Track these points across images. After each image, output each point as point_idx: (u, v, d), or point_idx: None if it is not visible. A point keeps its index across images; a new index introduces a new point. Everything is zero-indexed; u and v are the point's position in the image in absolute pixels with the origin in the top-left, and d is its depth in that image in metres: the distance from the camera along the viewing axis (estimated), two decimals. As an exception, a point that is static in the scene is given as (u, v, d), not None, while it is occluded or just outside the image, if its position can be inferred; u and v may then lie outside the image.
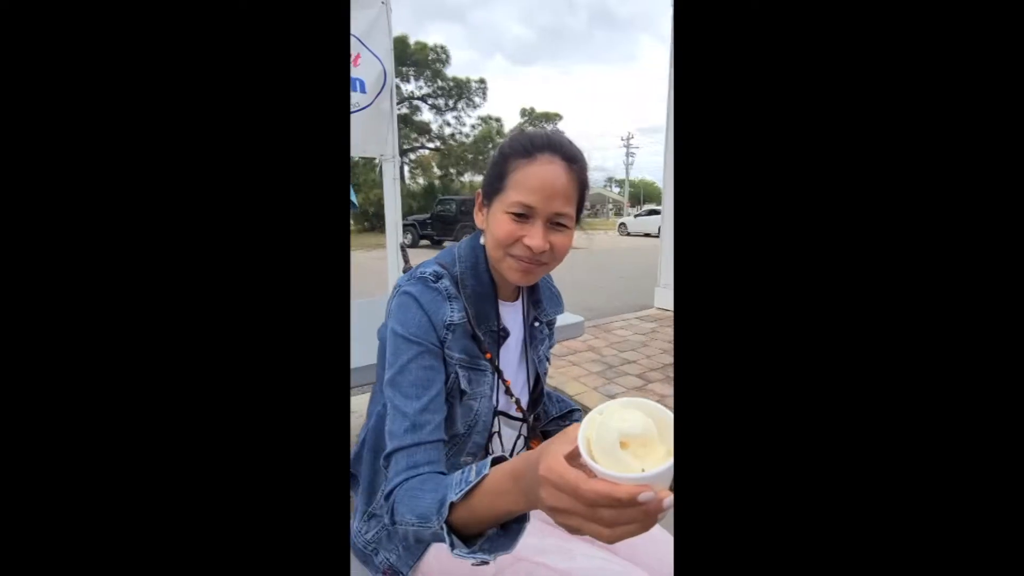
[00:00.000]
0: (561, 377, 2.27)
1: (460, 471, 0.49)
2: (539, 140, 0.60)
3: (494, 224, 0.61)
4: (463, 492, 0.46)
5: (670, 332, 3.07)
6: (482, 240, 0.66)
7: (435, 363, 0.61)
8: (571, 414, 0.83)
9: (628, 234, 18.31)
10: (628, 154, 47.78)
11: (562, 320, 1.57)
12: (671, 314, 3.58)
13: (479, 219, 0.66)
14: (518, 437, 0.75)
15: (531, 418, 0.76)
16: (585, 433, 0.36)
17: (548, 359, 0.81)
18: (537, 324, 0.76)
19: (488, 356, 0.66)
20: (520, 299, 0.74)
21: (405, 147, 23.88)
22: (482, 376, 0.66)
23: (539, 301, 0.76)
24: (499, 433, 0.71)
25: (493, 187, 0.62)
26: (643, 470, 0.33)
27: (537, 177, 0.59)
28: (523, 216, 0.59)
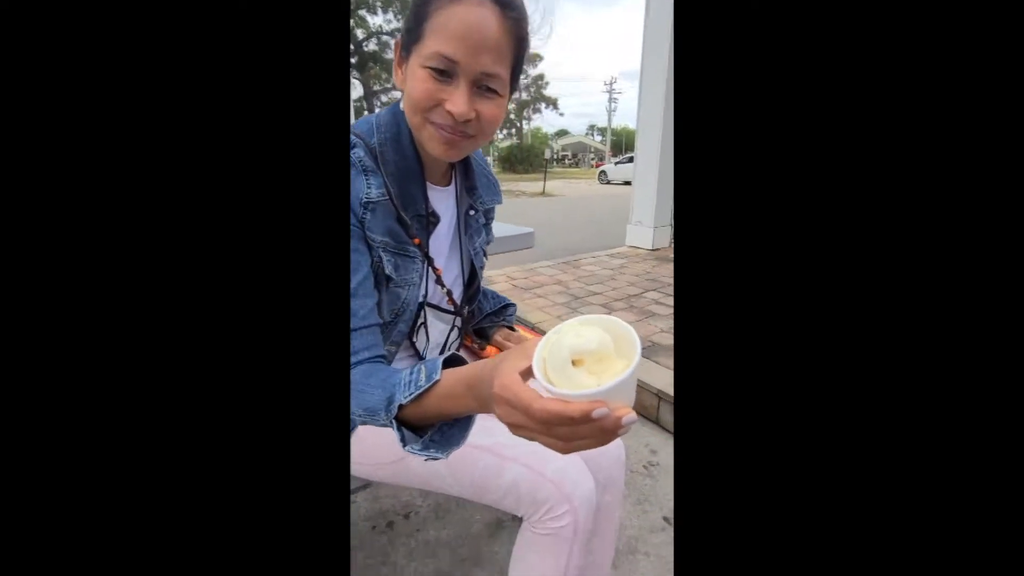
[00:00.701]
0: (524, 307, 2.27)
1: (408, 370, 0.46)
2: None
3: (411, 82, 0.52)
4: (413, 396, 0.43)
5: (638, 267, 3.08)
6: (403, 105, 0.58)
7: (357, 245, 0.56)
8: (506, 309, 0.81)
9: (608, 182, 18.09)
10: (611, 99, 46.32)
11: (511, 231, 1.52)
12: (641, 251, 3.58)
13: (398, 78, 0.56)
14: (451, 329, 0.72)
15: (465, 312, 0.73)
16: (540, 354, 0.35)
17: (485, 253, 0.77)
18: (472, 212, 0.71)
19: (416, 242, 0.61)
20: (453, 183, 0.69)
21: (376, 88, 22.60)
22: (410, 263, 0.61)
23: (474, 188, 0.71)
24: (426, 324, 0.67)
25: (411, 34, 0.52)
26: (599, 386, 0.32)
27: (462, 22, 0.48)
28: (444, 74, 0.50)
